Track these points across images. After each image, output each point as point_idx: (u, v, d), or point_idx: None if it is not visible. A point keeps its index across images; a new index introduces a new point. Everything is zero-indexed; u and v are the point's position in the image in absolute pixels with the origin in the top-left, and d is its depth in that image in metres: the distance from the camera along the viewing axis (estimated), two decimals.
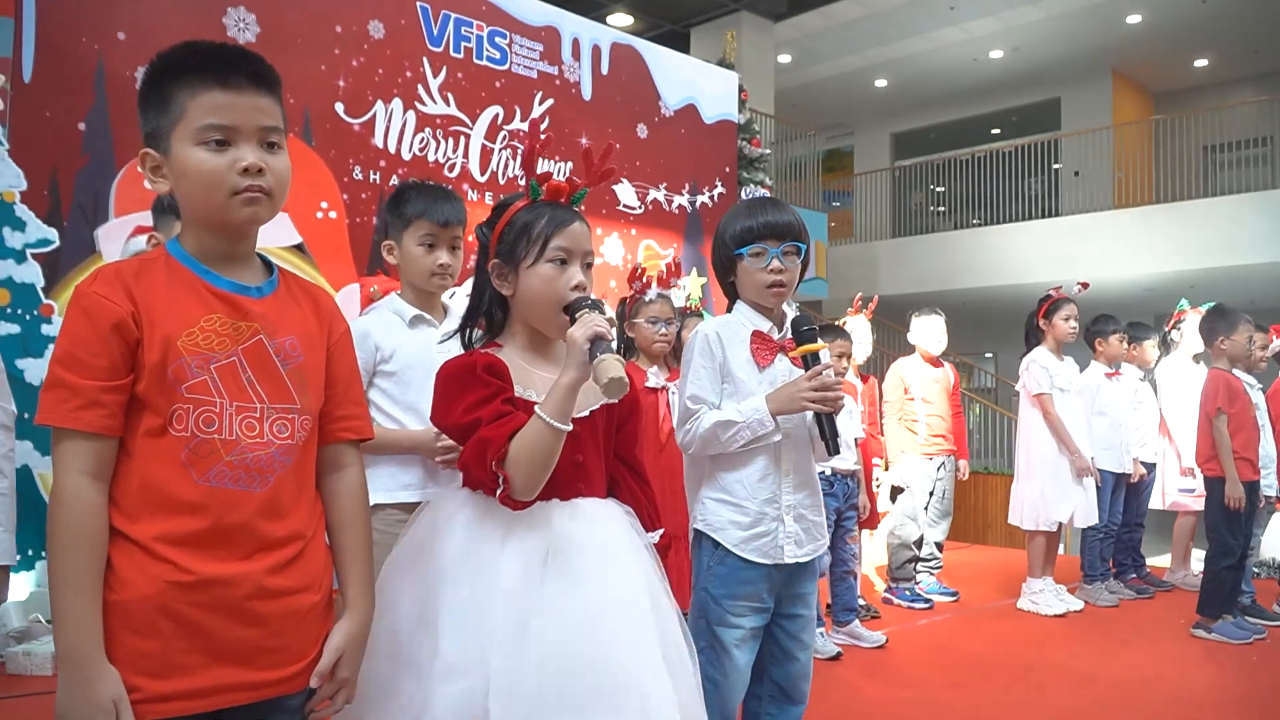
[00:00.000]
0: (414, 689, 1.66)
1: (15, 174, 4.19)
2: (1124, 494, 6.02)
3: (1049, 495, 5.48)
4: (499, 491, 1.72)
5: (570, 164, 6.66)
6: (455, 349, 2.02)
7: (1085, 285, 5.77)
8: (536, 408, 1.71)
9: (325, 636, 1.57)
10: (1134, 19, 13.78)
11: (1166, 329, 6.50)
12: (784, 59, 15.09)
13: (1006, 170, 14.96)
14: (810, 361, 2.33)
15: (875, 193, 16.68)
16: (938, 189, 16.61)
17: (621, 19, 13.66)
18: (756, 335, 2.44)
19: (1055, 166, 15.50)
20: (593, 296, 1.88)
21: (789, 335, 2.47)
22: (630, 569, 1.80)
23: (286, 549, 1.50)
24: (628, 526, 1.88)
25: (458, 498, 1.85)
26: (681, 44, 13.42)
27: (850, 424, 4.70)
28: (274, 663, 1.49)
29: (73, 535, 1.38)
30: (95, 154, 4.67)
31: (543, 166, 6.24)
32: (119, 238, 4.59)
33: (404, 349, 2.50)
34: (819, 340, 2.37)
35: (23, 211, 4.22)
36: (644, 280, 4.16)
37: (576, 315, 1.78)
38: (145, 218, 4.54)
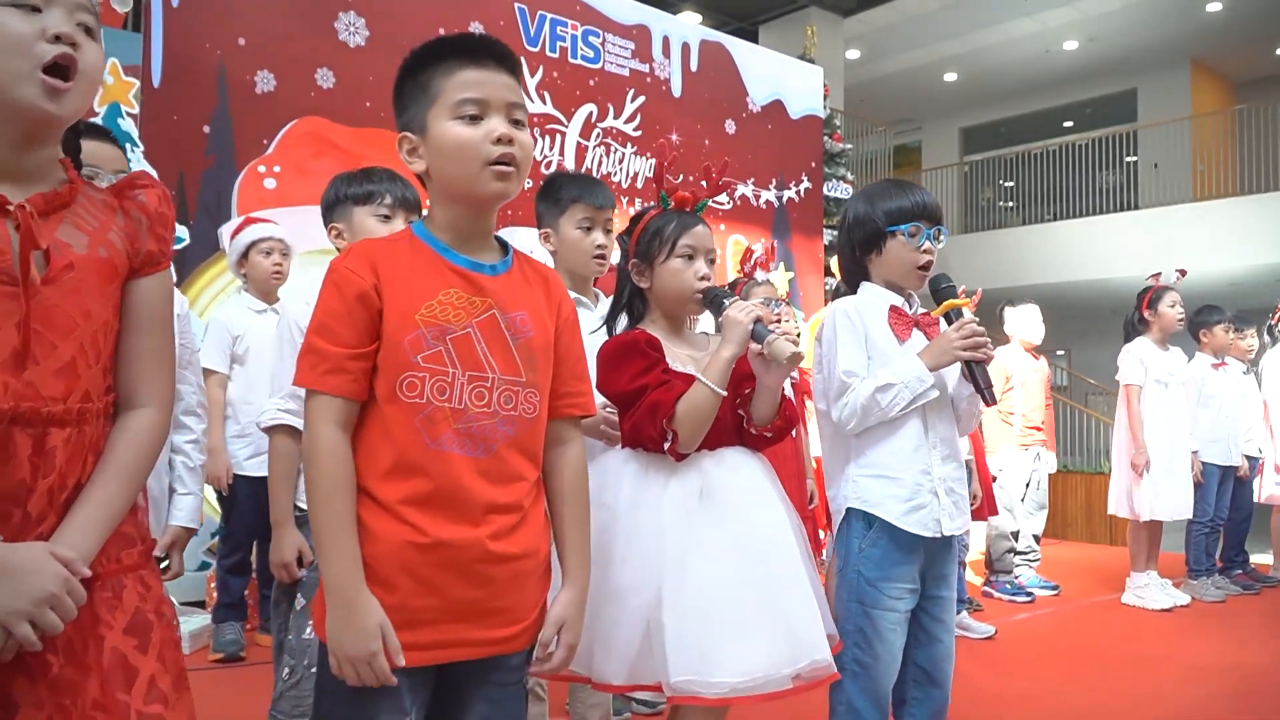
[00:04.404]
0: (590, 611, 1.81)
1: (148, 173, 4.34)
2: (1231, 487, 5.93)
3: (1149, 486, 5.43)
4: (668, 445, 2.03)
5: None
6: (603, 338, 2.31)
7: (1183, 272, 5.71)
8: (699, 375, 2.04)
9: (544, 600, 1.64)
10: (1214, 6, 13.51)
11: (1272, 321, 6.40)
12: (852, 54, 15.02)
13: (1080, 164, 14.78)
14: (953, 317, 2.41)
15: (943, 188, 16.50)
16: (1007, 184, 16.43)
17: (690, 16, 13.68)
18: (893, 310, 2.47)
19: (1131, 159, 15.27)
20: (722, 287, 2.22)
21: (921, 311, 2.53)
22: (774, 509, 2.14)
23: (508, 516, 1.56)
24: (763, 470, 2.20)
25: (619, 456, 2.17)
26: (749, 41, 13.42)
27: None
28: (498, 623, 1.56)
29: (333, 479, 1.48)
30: (219, 155, 4.83)
31: (635, 165, 6.26)
32: None
33: None
34: (958, 296, 2.46)
35: None
36: (753, 263, 4.25)
37: (724, 301, 2.13)
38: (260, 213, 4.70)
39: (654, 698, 3.47)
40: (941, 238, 2.47)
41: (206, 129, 4.83)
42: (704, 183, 2.30)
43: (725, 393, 2.04)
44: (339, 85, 5.30)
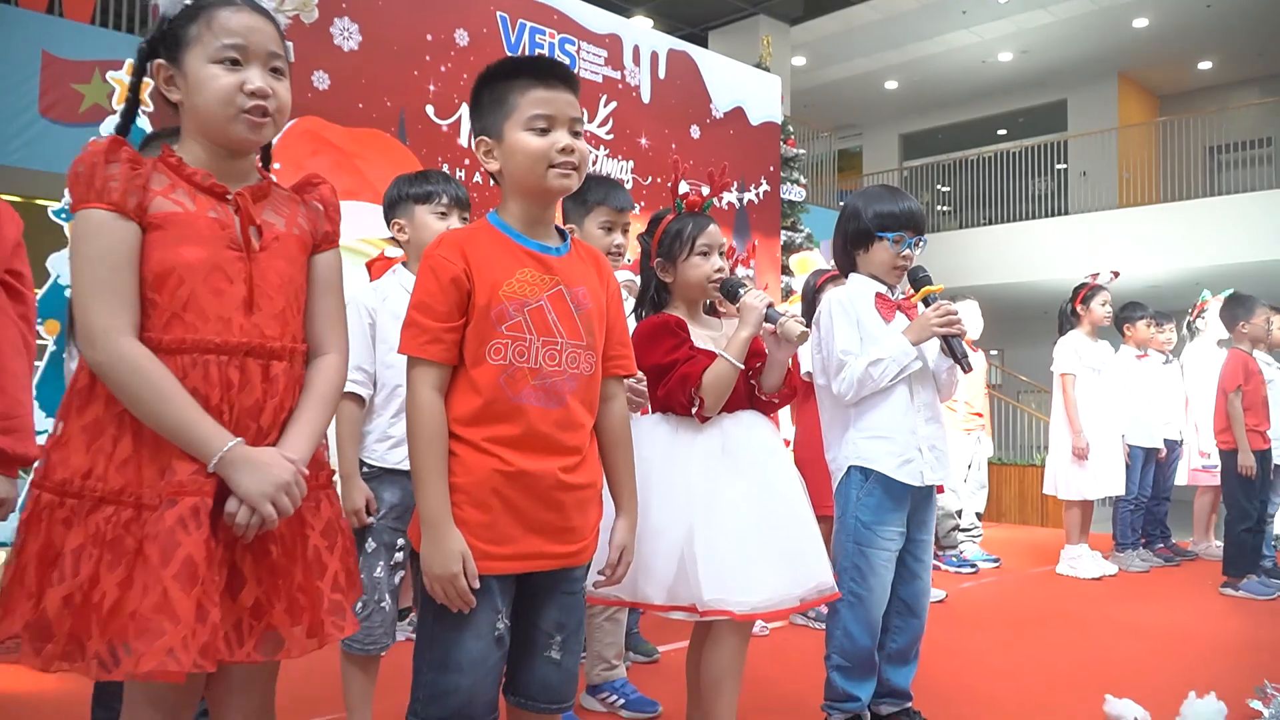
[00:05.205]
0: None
1: None
2: (1153, 468, 6.49)
3: (1085, 468, 5.97)
4: (695, 409, 2.45)
5: (632, 163, 7.13)
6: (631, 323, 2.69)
7: (1116, 274, 6.25)
8: (721, 351, 2.45)
9: (598, 523, 1.98)
10: (1140, 23, 14.23)
11: (1191, 318, 6.99)
12: (798, 61, 15.53)
13: (1013, 171, 15.41)
14: (929, 301, 2.85)
15: None
16: (944, 189, 17.06)
17: (642, 21, 14.03)
18: (879, 296, 2.90)
19: (1061, 167, 15.96)
20: (735, 276, 2.62)
21: (902, 296, 2.95)
22: (783, 461, 2.59)
23: (574, 455, 1.90)
24: (772, 430, 2.62)
25: (652, 419, 2.60)
26: (700, 47, 13.78)
27: None
28: (567, 540, 1.90)
29: (430, 433, 1.80)
30: None
31: (608, 167, 6.62)
32: None
33: None
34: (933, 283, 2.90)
35: None
36: (734, 260, 4.66)
37: (740, 290, 2.52)
38: None
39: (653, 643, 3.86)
40: (921, 246, 2.89)
41: None
42: (672, 183, 2.70)
43: (743, 366, 2.45)
44: (333, 87, 5.59)
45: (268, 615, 1.55)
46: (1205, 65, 15.78)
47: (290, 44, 1.73)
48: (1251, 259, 12.18)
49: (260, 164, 1.75)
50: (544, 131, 1.87)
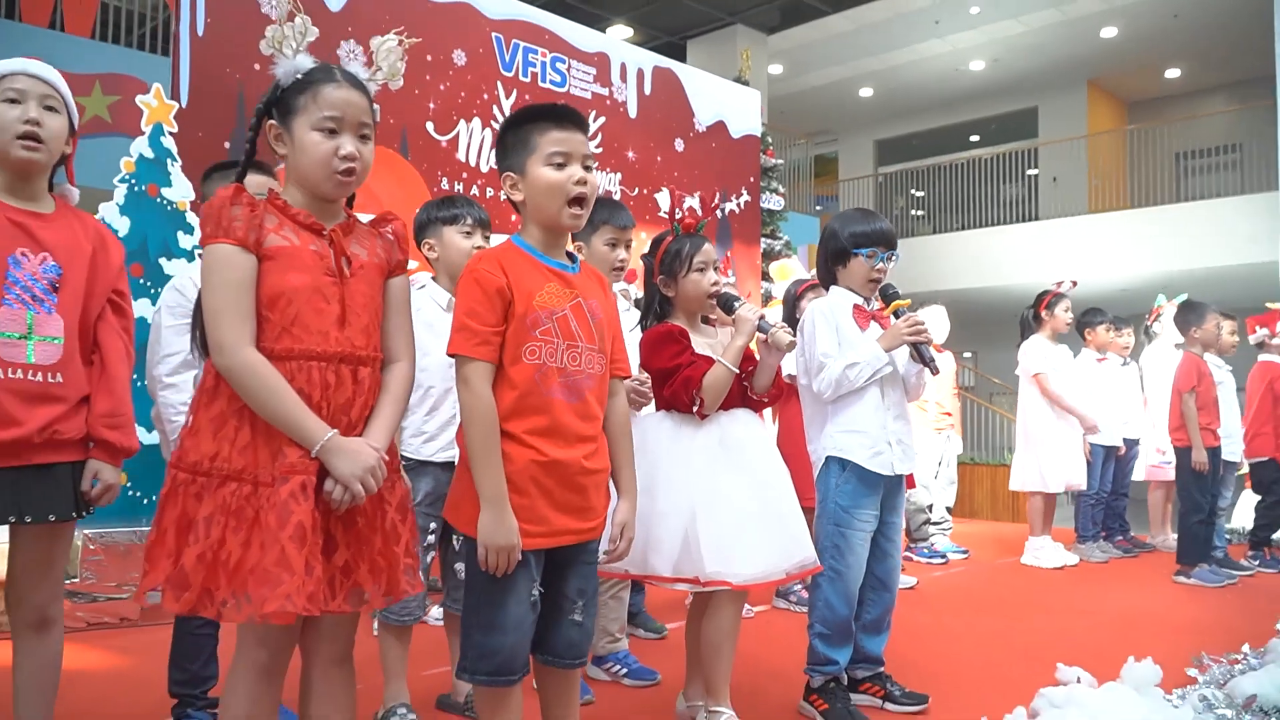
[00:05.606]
0: (640, 528, 2.49)
1: (186, 186, 4.90)
2: (1113, 465, 6.89)
3: (1047, 463, 6.37)
4: (696, 408, 2.81)
5: (620, 175, 7.47)
6: (638, 335, 3.11)
7: (1075, 283, 6.65)
8: (719, 358, 2.80)
9: (609, 501, 2.29)
10: (1109, 32, 14.59)
11: (1148, 323, 7.41)
12: (775, 69, 15.88)
13: (985, 176, 15.75)
14: (900, 313, 3.20)
15: (859, 198, 17.42)
16: (919, 194, 17.45)
17: (621, 31, 14.31)
18: (856, 307, 3.25)
19: (1032, 173, 16.36)
20: (730, 291, 2.99)
21: (875, 308, 3.31)
22: (773, 453, 2.96)
23: (592, 444, 2.22)
24: (762, 426, 3.01)
25: (656, 416, 2.95)
26: (678, 56, 13.88)
27: None
28: (587, 517, 2.22)
29: (488, 422, 2.08)
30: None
31: (598, 179, 6.96)
32: None
33: None
34: (902, 298, 3.26)
35: (192, 218, 4.92)
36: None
37: (735, 303, 2.88)
38: None
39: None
40: (893, 260, 3.24)
41: (226, 144, 5.40)
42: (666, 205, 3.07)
43: (738, 370, 2.81)
44: None
45: (354, 574, 1.90)
46: (1173, 73, 16.14)
47: (378, 106, 2.06)
48: (1219, 264, 12.51)
49: (345, 203, 2.08)
50: (561, 166, 2.18)
